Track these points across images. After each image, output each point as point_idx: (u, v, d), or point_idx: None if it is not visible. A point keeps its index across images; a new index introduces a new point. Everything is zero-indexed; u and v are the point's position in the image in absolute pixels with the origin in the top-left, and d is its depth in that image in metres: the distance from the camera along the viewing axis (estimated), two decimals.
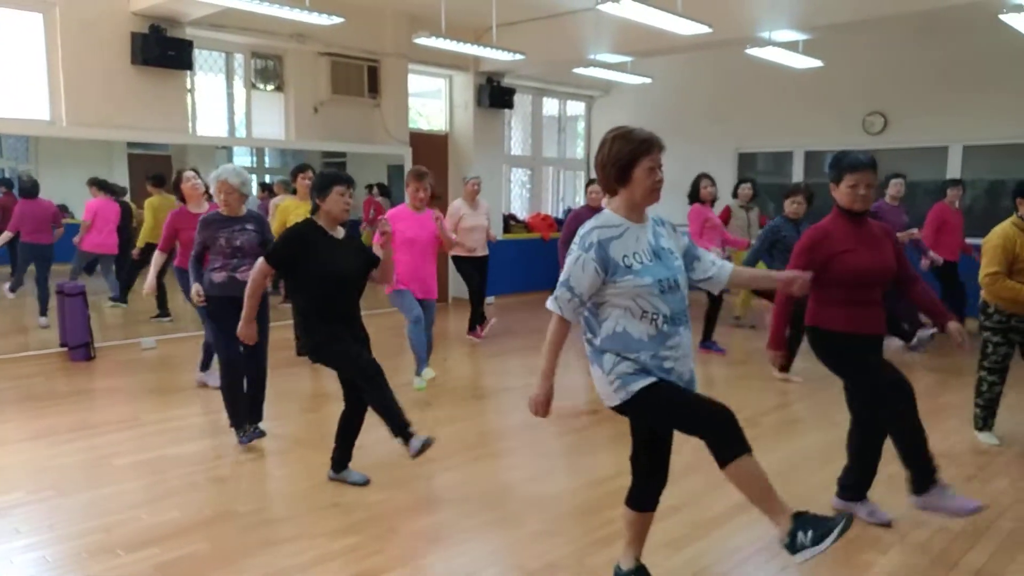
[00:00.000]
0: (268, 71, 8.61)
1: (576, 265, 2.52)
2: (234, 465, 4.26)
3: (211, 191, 4.58)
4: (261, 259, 3.80)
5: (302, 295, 3.81)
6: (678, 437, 2.65)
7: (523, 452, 4.65)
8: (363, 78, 9.00)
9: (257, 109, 8.63)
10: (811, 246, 3.37)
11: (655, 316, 2.54)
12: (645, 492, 2.80)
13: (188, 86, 7.83)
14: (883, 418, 3.41)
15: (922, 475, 3.30)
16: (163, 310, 7.61)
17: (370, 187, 9.35)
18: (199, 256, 4.61)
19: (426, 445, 3.71)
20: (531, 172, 11.90)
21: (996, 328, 4.56)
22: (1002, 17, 6.29)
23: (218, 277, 4.51)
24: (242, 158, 9.48)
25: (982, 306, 4.60)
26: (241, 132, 8.62)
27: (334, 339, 3.79)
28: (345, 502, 3.75)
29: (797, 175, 10.23)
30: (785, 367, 6.12)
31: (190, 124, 7.92)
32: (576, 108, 12.39)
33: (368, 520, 3.55)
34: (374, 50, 9.03)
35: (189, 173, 5.54)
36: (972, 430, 4.85)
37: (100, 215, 7.31)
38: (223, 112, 8.50)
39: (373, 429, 4.45)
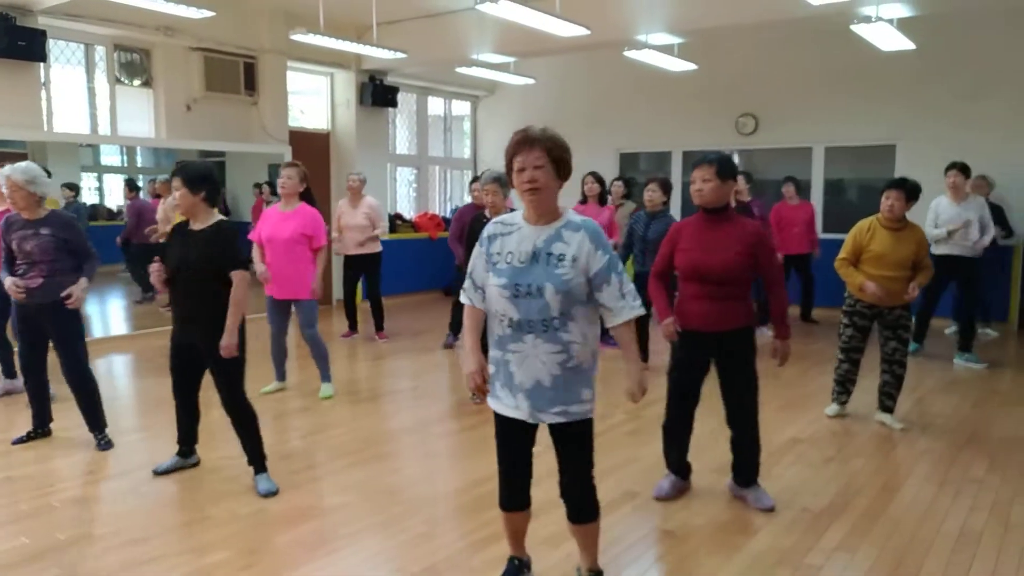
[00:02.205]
0: (134, 65, 8.15)
1: (474, 253, 2.67)
2: (89, 485, 3.99)
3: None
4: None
5: None
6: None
7: (406, 455, 4.58)
8: (239, 75, 8.67)
9: (123, 105, 8.14)
10: (668, 238, 3.68)
11: (503, 318, 2.55)
12: (504, 490, 2.78)
13: (42, 79, 7.31)
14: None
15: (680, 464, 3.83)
16: None
17: (259, 186, 9.03)
18: (9, 260, 4.36)
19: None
20: (417, 171, 11.80)
21: (845, 311, 5.00)
22: (853, 28, 6.69)
23: (7, 281, 4.26)
24: (111, 157, 8.95)
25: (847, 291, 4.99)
26: (106, 129, 8.13)
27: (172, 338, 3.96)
28: (214, 516, 3.58)
29: (676, 174, 10.57)
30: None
31: (45, 120, 7.41)
32: (462, 108, 12.37)
33: (239, 533, 3.41)
34: (250, 46, 8.72)
35: None
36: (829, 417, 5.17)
37: None
38: (84, 108, 7.99)
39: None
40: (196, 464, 4.19)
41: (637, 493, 3.86)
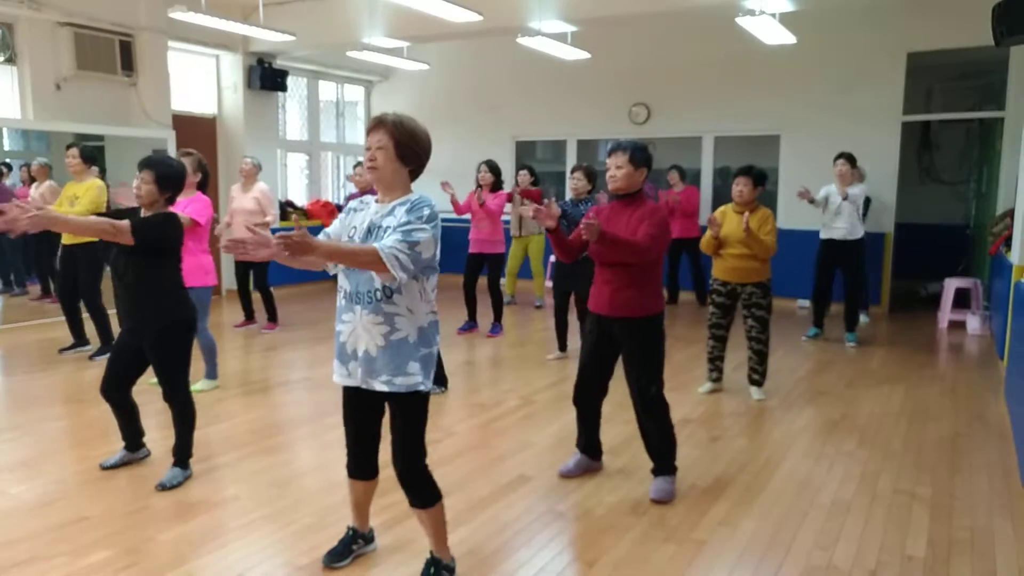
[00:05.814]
0: None
1: (337, 218, 2.77)
2: None
3: None
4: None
5: None
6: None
7: (298, 446, 4.49)
8: (114, 53, 8.17)
9: None
10: (587, 218, 3.71)
11: (341, 289, 2.67)
12: (350, 458, 2.89)
13: None
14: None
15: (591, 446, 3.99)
16: None
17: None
18: None
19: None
20: (309, 157, 11.51)
21: (709, 292, 5.42)
22: (738, 20, 6.93)
23: None
24: None
25: None
26: None
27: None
28: (94, 516, 3.40)
29: (571, 162, 10.70)
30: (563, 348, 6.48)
31: None
32: (355, 93, 12.12)
33: (121, 532, 3.25)
34: (126, 23, 8.24)
35: None
36: (720, 397, 5.40)
37: None
38: None
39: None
40: (146, 457, 4.09)
41: (531, 477, 3.91)
